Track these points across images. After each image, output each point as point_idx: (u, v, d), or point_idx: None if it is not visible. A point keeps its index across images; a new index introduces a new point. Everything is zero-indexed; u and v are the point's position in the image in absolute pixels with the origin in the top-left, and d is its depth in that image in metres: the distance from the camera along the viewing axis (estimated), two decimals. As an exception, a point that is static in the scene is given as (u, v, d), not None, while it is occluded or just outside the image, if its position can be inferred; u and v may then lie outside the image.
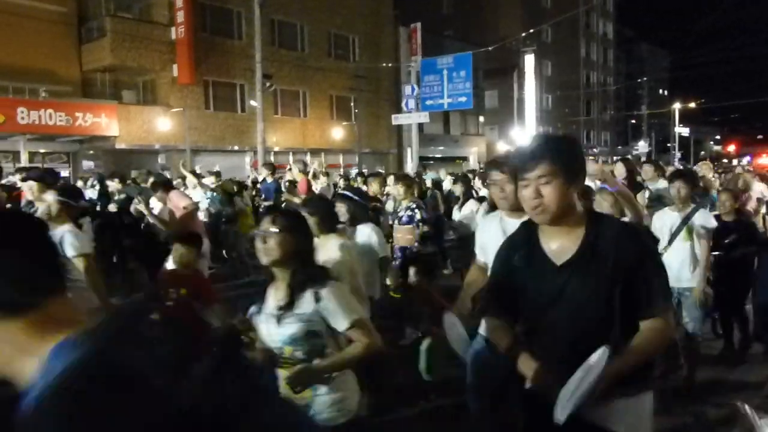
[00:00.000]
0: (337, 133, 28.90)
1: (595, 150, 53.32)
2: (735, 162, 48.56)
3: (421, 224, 5.93)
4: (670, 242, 4.82)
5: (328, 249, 3.54)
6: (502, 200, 3.25)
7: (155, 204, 7.24)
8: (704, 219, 4.82)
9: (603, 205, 4.18)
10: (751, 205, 8.09)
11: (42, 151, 20.71)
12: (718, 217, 5.39)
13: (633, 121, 65.11)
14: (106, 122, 20.46)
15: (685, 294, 4.78)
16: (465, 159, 36.13)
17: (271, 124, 23.67)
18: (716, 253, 5.24)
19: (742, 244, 5.41)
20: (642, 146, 60.25)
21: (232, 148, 24.68)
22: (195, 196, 9.22)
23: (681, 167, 7.80)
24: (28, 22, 19.28)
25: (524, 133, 34.25)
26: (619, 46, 65.33)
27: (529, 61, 36.40)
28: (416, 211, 5.94)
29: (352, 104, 29.30)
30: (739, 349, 5.59)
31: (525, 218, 2.16)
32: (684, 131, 58.06)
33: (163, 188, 6.95)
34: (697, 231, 4.80)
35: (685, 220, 4.80)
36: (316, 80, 27.88)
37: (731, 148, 73.86)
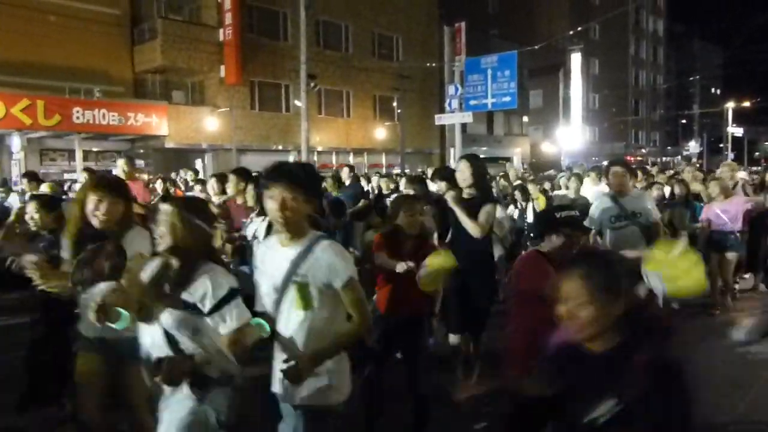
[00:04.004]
0: (381, 133, 28.99)
1: (643, 150, 52.01)
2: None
3: None
4: None
5: None
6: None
7: None
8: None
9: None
10: None
11: (95, 149, 21.40)
12: None
13: (684, 121, 63.20)
14: (157, 122, 21.03)
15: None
16: (508, 159, 35.69)
17: (315, 124, 23.89)
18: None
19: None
20: (693, 146, 58.37)
21: (277, 147, 25.01)
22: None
23: None
24: (83, 24, 19.89)
25: (569, 133, 33.65)
26: (670, 44, 63.52)
27: (576, 59, 35.80)
28: None
29: (395, 104, 29.32)
30: None
31: None
32: (737, 131, 55.74)
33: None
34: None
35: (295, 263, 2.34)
36: (359, 80, 28.02)
37: (788, 148, 70.92)
